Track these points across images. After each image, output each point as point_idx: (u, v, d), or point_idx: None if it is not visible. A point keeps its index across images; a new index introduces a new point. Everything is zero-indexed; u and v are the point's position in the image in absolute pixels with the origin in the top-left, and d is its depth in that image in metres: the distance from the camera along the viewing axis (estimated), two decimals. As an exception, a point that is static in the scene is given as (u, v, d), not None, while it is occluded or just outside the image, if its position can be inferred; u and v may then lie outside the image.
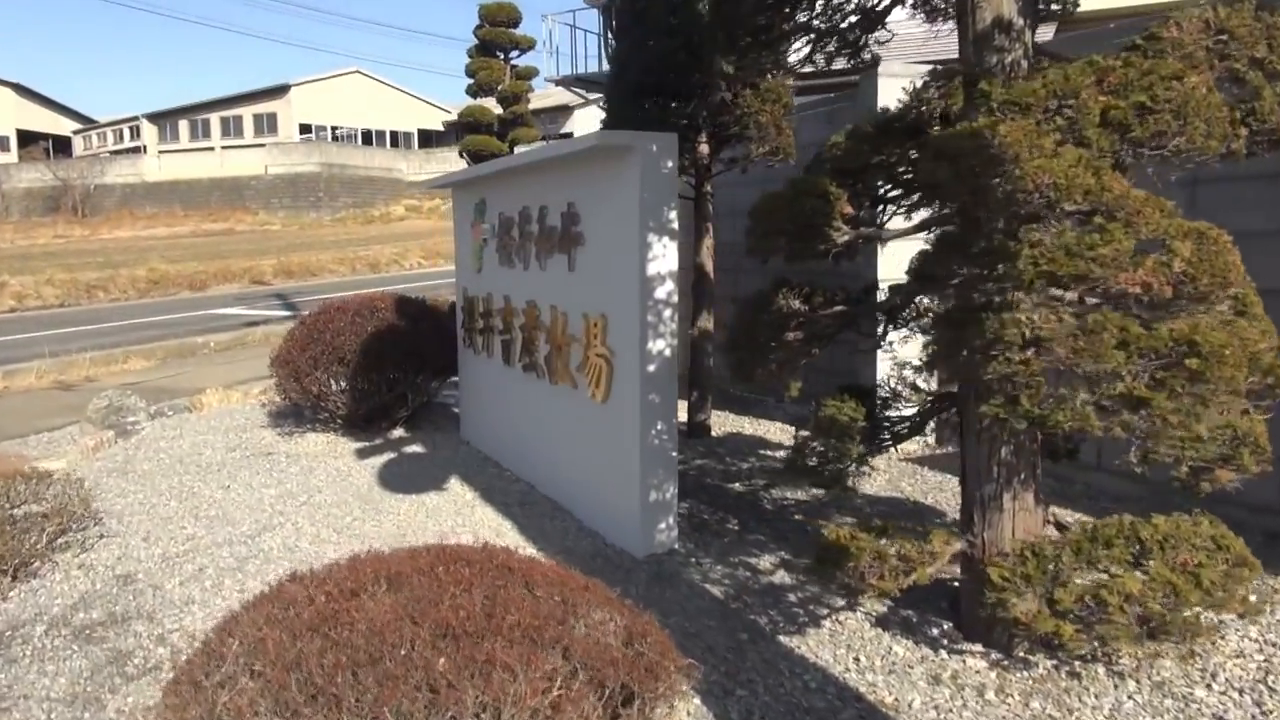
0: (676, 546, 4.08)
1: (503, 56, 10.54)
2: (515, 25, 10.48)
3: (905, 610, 3.31)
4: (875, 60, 5.50)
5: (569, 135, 42.78)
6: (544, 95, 51.77)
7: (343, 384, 6.41)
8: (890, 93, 5.42)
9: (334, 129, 46.28)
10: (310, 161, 41.15)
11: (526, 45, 10.58)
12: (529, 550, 4.15)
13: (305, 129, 45.11)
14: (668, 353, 3.96)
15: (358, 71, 47.07)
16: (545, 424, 4.93)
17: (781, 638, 3.18)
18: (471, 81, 10.57)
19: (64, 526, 4.56)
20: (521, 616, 2.31)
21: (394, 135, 48.79)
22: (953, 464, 5.26)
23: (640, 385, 3.90)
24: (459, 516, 4.72)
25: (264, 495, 5.31)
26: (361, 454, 6.21)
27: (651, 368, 3.92)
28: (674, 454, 4.06)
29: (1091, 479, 4.64)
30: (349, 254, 27.81)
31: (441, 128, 50.35)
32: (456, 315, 6.65)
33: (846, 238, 2.85)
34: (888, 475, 5.19)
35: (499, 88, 10.49)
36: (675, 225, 3.93)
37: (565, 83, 15.46)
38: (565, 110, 45.57)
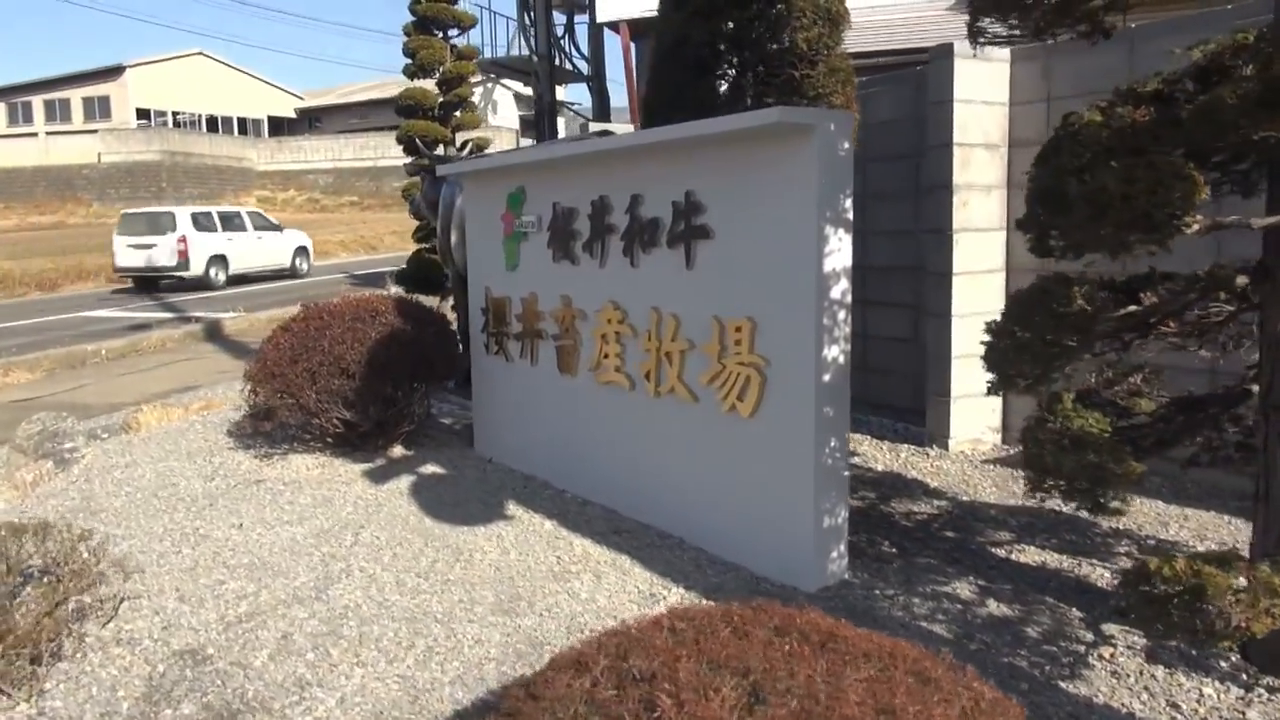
0: (847, 576, 3.65)
1: (442, 35, 9.76)
2: (455, 0, 9.75)
3: (1168, 642, 3.00)
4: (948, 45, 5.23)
5: (433, 124, 41.35)
6: (401, 84, 49.94)
7: (348, 398, 5.63)
8: (971, 75, 5.14)
9: (175, 115, 43.14)
10: (150, 149, 38.15)
11: (469, 23, 9.82)
12: (675, 590, 3.63)
13: (143, 114, 41.85)
14: (842, 360, 3.51)
15: (201, 53, 44.01)
16: (640, 441, 4.39)
17: (1063, 684, 2.80)
18: (410, 61, 9.72)
19: (80, 588, 3.70)
20: None
21: (242, 122, 45.94)
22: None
23: (815, 397, 3.44)
24: (555, 552, 4.13)
25: (294, 534, 4.54)
26: (373, 477, 5.48)
27: (827, 377, 3.46)
28: (846, 473, 3.63)
29: None
30: (212, 249, 25.80)
31: (294, 115, 47.77)
32: (469, 319, 5.97)
33: (1195, 228, 2.48)
34: (980, 479, 4.92)
35: (441, 68, 9.69)
36: (851, 215, 3.48)
37: (483, 67, 14.67)
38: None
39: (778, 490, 3.62)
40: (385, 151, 43.39)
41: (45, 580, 3.52)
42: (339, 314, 5.89)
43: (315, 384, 5.61)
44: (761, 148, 3.54)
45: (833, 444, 3.51)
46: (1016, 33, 2.97)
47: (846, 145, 3.43)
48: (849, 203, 3.46)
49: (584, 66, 15.25)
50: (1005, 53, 5.33)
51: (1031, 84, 5.23)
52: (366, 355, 5.65)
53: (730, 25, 4.99)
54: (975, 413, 5.44)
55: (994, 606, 3.33)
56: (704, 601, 3.51)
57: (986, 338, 3.05)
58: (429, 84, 9.92)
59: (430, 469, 5.64)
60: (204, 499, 5.22)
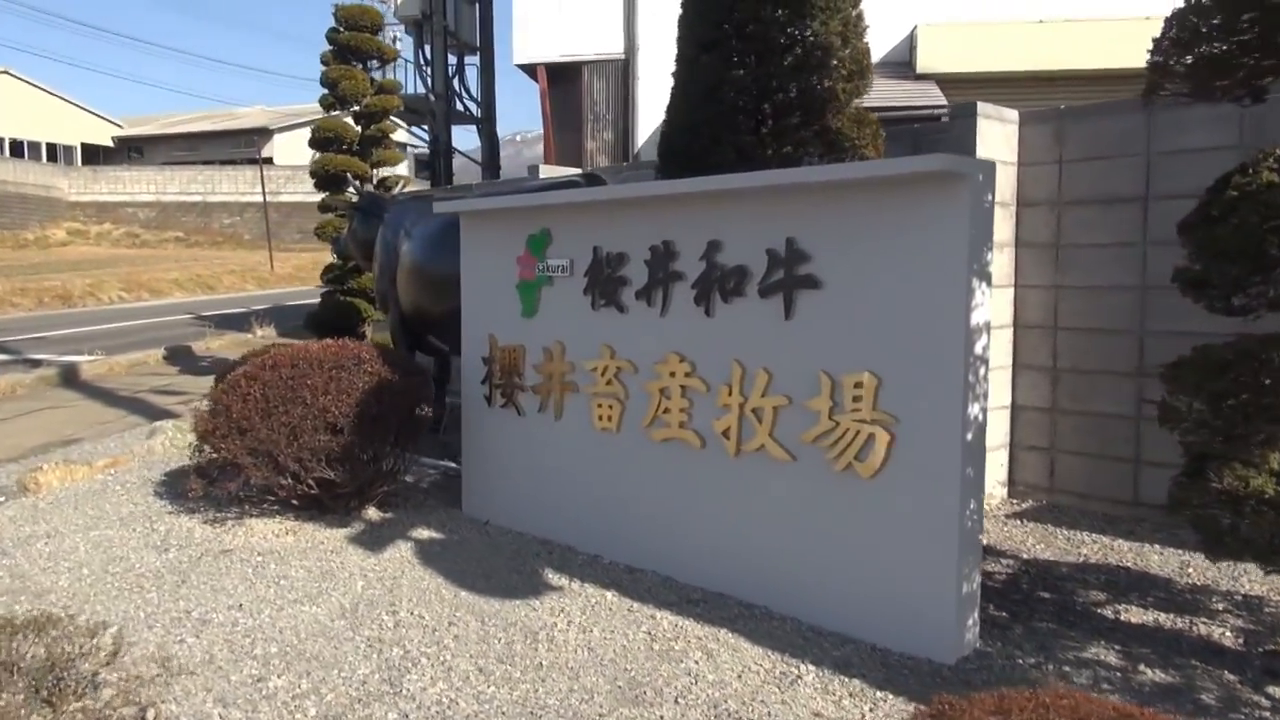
0: (979, 645, 3.48)
1: (362, 66, 9.18)
2: (378, 31, 9.19)
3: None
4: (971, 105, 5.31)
5: (269, 160, 39.38)
6: (235, 116, 47.37)
7: (333, 455, 5.04)
8: (991, 135, 5.23)
9: (-27, 137, 39.31)
10: (-57, 173, 34.52)
11: (391, 56, 9.28)
12: (805, 668, 3.35)
13: (-65, 135, 37.88)
14: (981, 418, 3.38)
15: (6, 72, 40.35)
16: (711, 502, 4.10)
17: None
18: (328, 92, 9.09)
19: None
20: None
21: (51, 148, 42.36)
22: (1063, 518, 5.10)
23: (960, 457, 3.29)
24: (640, 627, 3.76)
25: (315, 615, 3.97)
26: (365, 545, 4.92)
27: (970, 436, 3.32)
28: (981, 536, 3.47)
29: None
30: (26, 283, 23.53)
31: (111, 143, 44.56)
32: (461, 368, 5.51)
33: None
34: (1020, 535, 4.91)
35: (363, 101, 9.10)
36: (992, 269, 3.38)
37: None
38: (264, 133, 42.10)
39: (907, 555, 3.42)
40: (216, 186, 41.16)
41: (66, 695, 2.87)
42: (316, 361, 5.30)
43: (297, 440, 4.99)
44: (899, 195, 3.39)
45: (972, 506, 3.36)
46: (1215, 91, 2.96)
47: (990, 197, 3.33)
48: (990, 255, 3.36)
49: (474, 109, 14.88)
50: (1014, 114, 5.46)
51: (1043, 146, 5.37)
52: (355, 408, 5.09)
53: (768, 70, 4.89)
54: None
55: (1151, 673, 3.24)
56: (838, 679, 3.25)
57: (1168, 399, 2.99)
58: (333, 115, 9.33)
59: (425, 533, 5.12)
60: (171, 574, 4.51)
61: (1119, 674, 3.24)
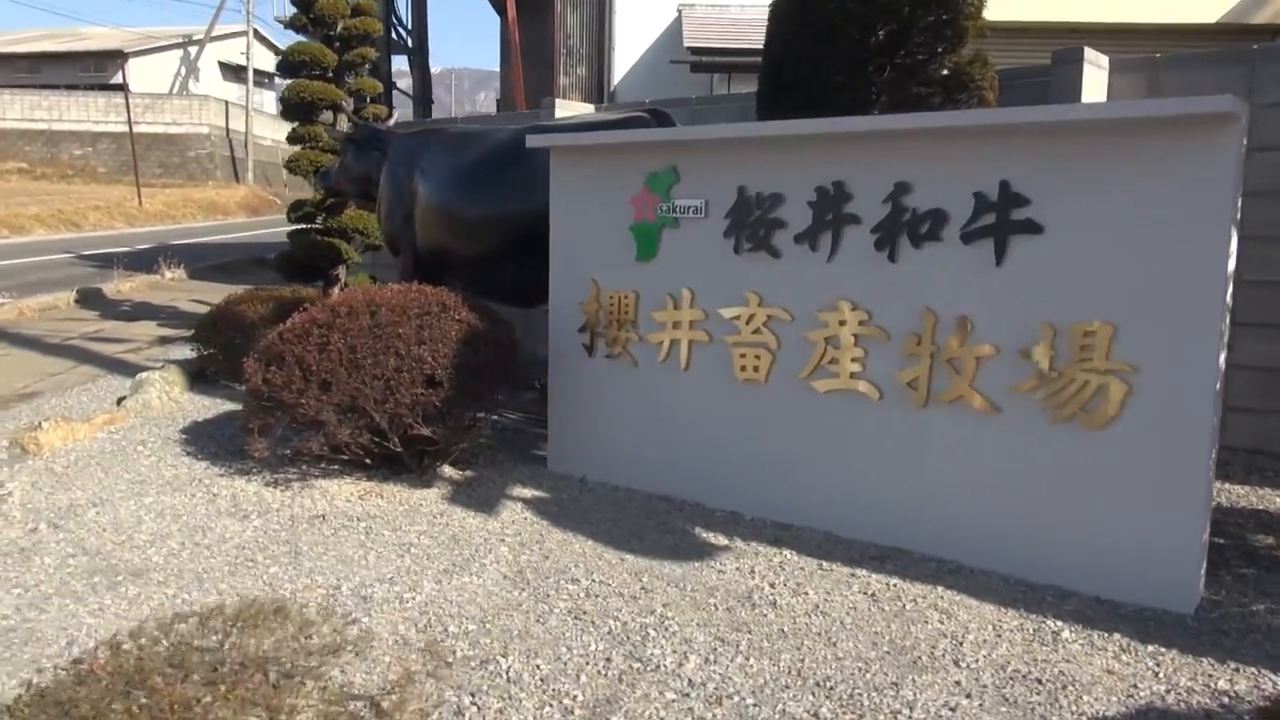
0: (1205, 594, 3.50)
1: (336, -18, 8.39)
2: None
3: None
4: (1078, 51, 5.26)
5: (121, 86, 36.18)
6: (81, 36, 43.15)
7: (433, 411, 4.64)
8: (1091, 82, 5.21)
9: None
10: None
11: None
12: (1050, 624, 3.28)
13: None
14: (1223, 366, 3.35)
15: None
16: (890, 456, 3.96)
17: None
18: (300, 12, 8.26)
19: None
20: None
21: None
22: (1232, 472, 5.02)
23: (1211, 408, 3.26)
24: (845, 587, 3.61)
25: (482, 586, 3.65)
26: (470, 506, 4.59)
27: (1218, 385, 3.29)
28: (1213, 485, 3.47)
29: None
30: None
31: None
32: (549, 317, 5.15)
33: None
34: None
35: (341, 23, 8.31)
36: (1239, 215, 3.33)
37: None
38: (117, 57, 38.66)
39: (1144, 506, 3.39)
40: (63, 113, 37.75)
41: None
42: (399, 307, 4.84)
43: (393, 394, 4.55)
44: (1156, 136, 3.28)
45: (1213, 455, 3.35)
46: None
47: (1244, 140, 3.27)
48: (1239, 201, 3.31)
49: (406, 39, 14.04)
50: (1106, 60, 5.46)
51: (1135, 94, 5.39)
52: (454, 358, 4.68)
53: (896, 4, 4.70)
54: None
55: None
56: (1095, 634, 3.20)
57: None
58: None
59: (526, 492, 4.80)
60: (276, 545, 4.08)
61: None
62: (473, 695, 2.84)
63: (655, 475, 4.72)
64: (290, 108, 8.43)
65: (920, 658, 3.04)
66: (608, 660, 3.05)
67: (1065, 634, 3.20)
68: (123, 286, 12.96)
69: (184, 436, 5.77)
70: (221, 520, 4.38)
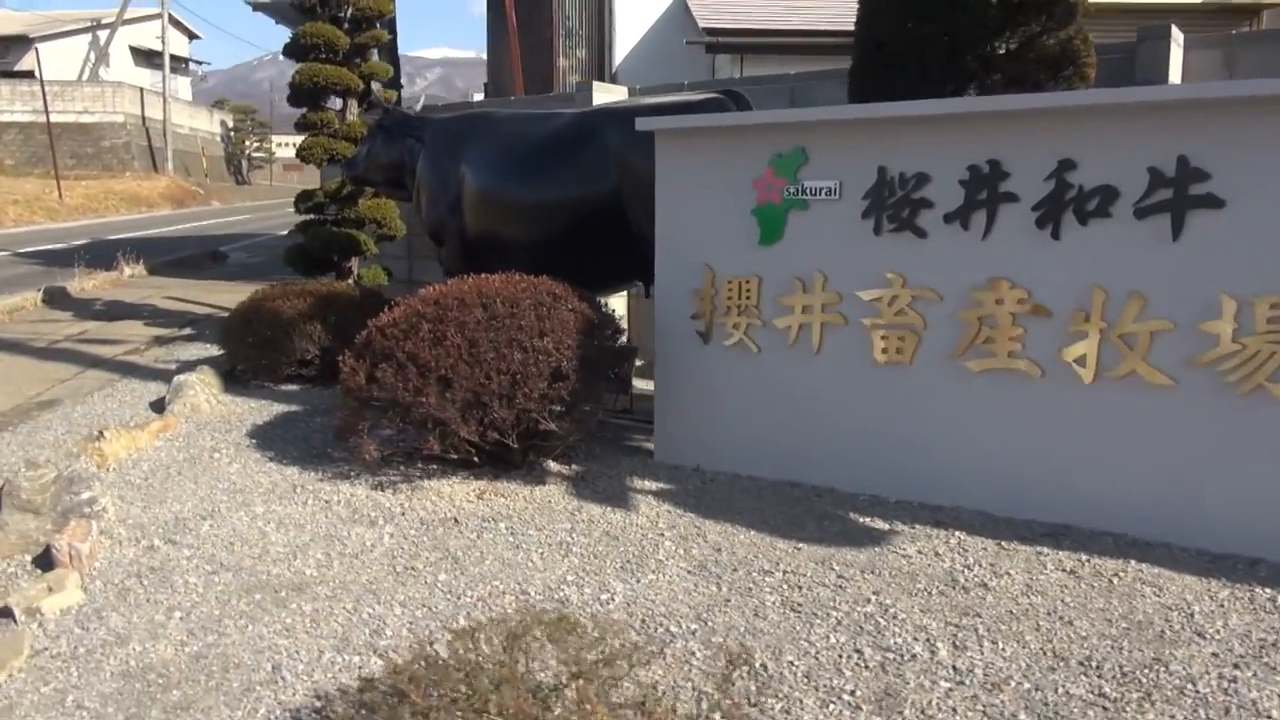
0: (1386, 555, 3.60)
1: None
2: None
3: None
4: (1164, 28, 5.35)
5: (27, 73, 34.30)
6: (-23, 20, 40.61)
7: (561, 404, 4.50)
8: (1173, 59, 5.30)
9: None
10: None
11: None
12: (1266, 591, 3.34)
13: None
14: None
15: None
16: (1053, 432, 3.98)
17: None
18: (308, -9, 7.89)
19: None
20: None
21: None
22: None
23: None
24: (1038, 566, 3.62)
25: (694, 586, 3.53)
26: (604, 502, 4.48)
27: None
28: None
29: None
30: None
31: None
32: (656, 304, 5.04)
33: None
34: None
35: (350, 5, 7.95)
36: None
37: (265, 6, 12.54)
38: (22, 42, 36.67)
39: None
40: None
41: None
42: (512, 299, 4.67)
43: (521, 388, 4.39)
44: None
45: (1400, 422, 3.44)
46: None
47: None
48: None
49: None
50: (1181, 37, 5.56)
51: (1210, 70, 5.51)
52: (577, 350, 4.54)
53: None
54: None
55: None
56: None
57: None
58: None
59: (650, 484, 4.70)
60: (425, 551, 3.93)
61: None
62: (747, 697, 2.75)
63: (780, 462, 4.66)
64: (301, 93, 8.06)
65: (1163, 632, 3.06)
66: (858, 652, 2.99)
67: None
68: (86, 285, 12.31)
69: (254, 441, 5.49)
70: (350, 528, 4.18)
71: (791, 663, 2.94)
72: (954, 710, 2.65)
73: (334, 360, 6.78)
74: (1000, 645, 3.00)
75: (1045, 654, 2.95)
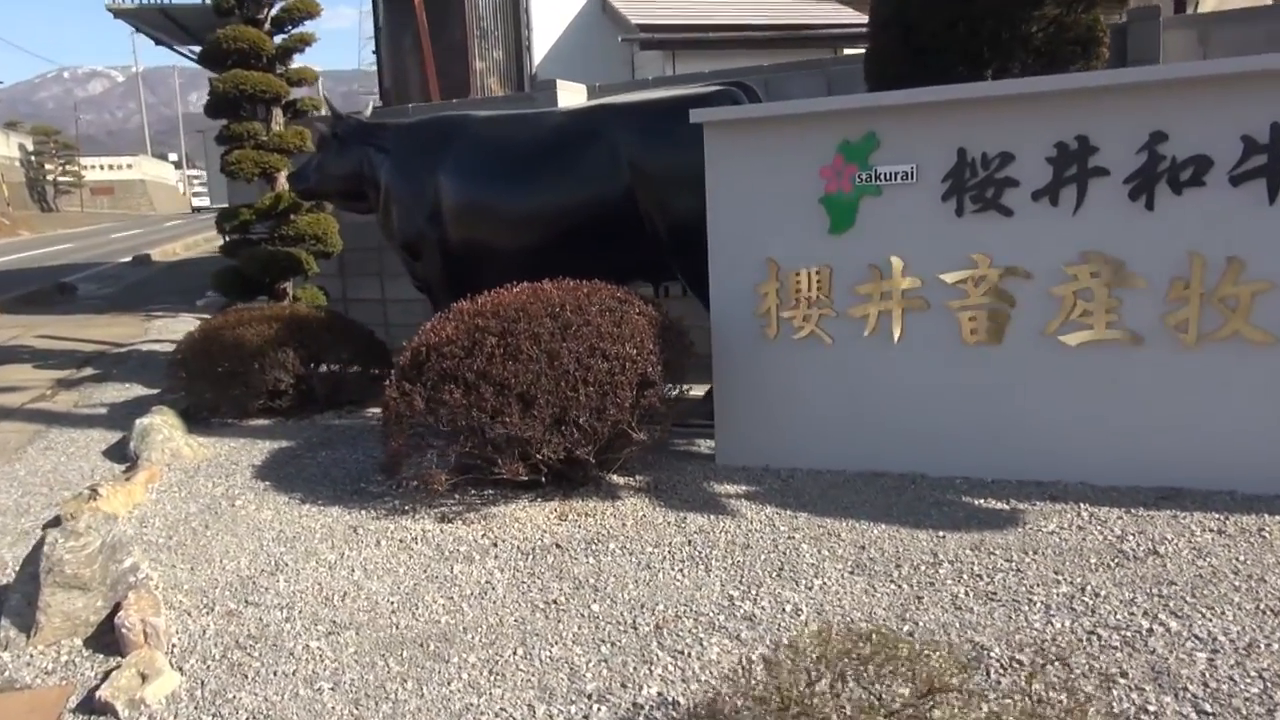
0: None
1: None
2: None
3: None
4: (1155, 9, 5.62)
5: None
6: None
7: (650, 412, 4.26)
8: (1173, 44, 5.59)
9: None
10: None
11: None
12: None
13: None
14: None
15: None
16: (1155, 399, 4.08)
17: None
18: (224, -10, 7.16)
19: None
20: None
21: None
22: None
23: None
24: (1171, 531, 3.69)
25: (861, 598, 3.39)
26: (699, 509, 4.29)
27: None
28: None
29: None
30: None
31: None
32: (712, 302, 4.86)
33: None
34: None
35: (276, 3, 7.28)
36: None
37: (127, 13, 11.58)
38: None
39: None
40: None
41: None
42: (579, 304, 4.40)
43: (611, 397, 4.14)
44: None
45: None
46: None
47: None
48: None
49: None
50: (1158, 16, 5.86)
51: (1186, 49, 5.83)
52: (660, 355, 4.32)
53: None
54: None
55: None
56: None
57: None
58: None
59: (729, 488, 4.53)
60: (554, 582, 3.63)
61: None
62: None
63: (861, 452, 4.59)
64: (224, 103, 7.38)
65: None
66: (1093, 635, 2.93)
67: None
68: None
69: (269, 484, 4.96)
70: (449, 566, 3.81)
71: (1033, 654, 2.84)
72: (1233, 680, 2.62)
73: (310, 389, 6.29)
74: (1220, 610, 3.02)
75: (1268, 613, 2.98)
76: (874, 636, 2.33)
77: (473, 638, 3.20)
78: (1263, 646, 2.79)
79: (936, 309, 4.37)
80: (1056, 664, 2.64)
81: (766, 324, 4.69)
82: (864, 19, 10.58)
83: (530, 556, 3.86)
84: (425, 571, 3.76)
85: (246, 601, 3.59)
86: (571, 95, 7.17)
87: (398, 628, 3.31)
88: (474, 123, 6.26)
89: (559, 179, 5.78)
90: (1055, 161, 4.08)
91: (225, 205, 9.17)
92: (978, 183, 4.21)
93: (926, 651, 2.29)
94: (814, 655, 2.24)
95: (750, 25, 9.05)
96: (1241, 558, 3.38)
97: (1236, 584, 3.18)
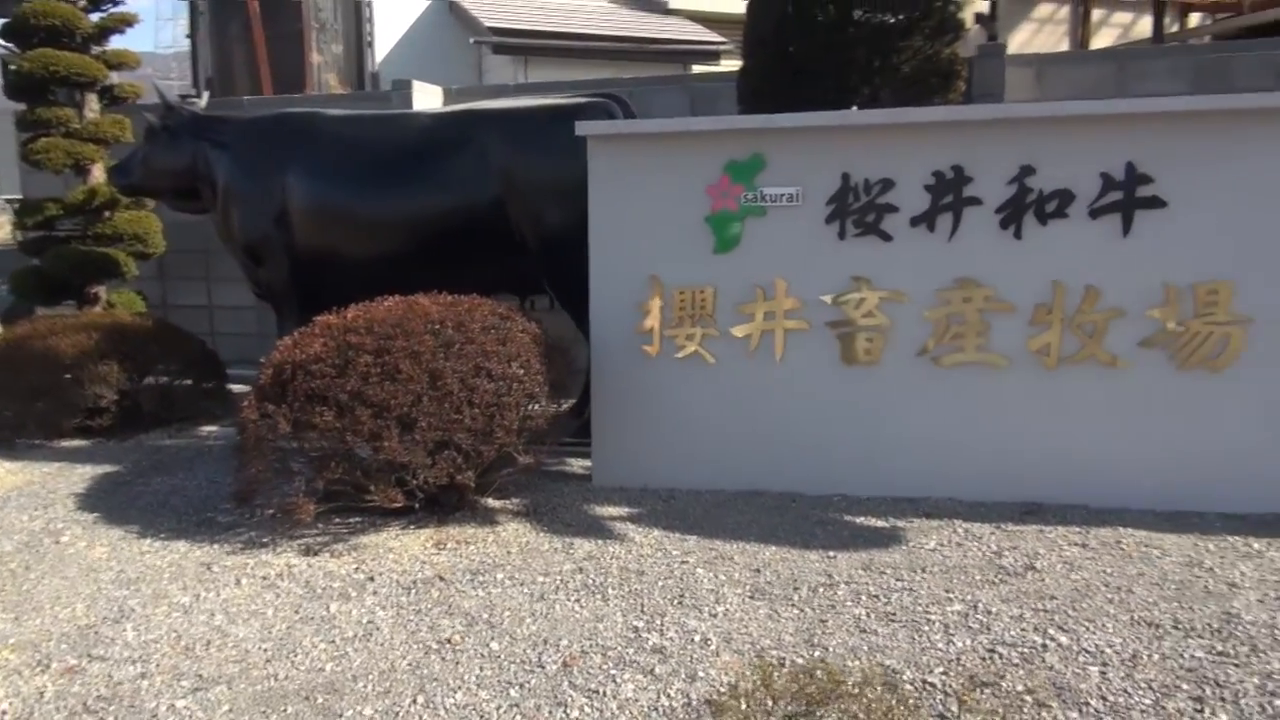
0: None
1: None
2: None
3: None
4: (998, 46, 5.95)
5: None
6: None
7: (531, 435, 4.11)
8: (1014, 81, 5.95)
9: None
10: None
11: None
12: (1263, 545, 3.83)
13: None
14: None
15: None
16: (1021, 416, 4.30)
17: None
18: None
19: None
20: None
21: None
22: None
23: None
24: (1090, 545, 3.90)
25: (765, 624, 3.38)
26: (591, 535, 4.18)
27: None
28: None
29: None
30: None
31: None
32: (591, 321, 4.75)
33: None
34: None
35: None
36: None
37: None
38: None
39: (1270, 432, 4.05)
40: None
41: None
42: (459, 323, 4.19)
43: (499, 420, 3.96)
44: (1269, 123, 3.91)
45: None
46: None
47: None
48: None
49: None
50: (1004, 54, 6.23)
51: (1025, 85, 6.23)
52: (545, 374, 4.18)
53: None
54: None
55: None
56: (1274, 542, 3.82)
57: None
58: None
59: (610, 510, 4.44)
60: (444, 620, 3.43)
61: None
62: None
63: (740, 472, 4.60)
64: (29, 85, 6.63)
65: (1219, 589, 3.39)
66: (993, 652, 3.02)
67: (1256, 545, 3.76)
68: None
69: (96, 515, 4.47)
70: (323, 605, 3.52)
71: (943, 675, 2.90)
72: (1127, 692, 2.76)
73: (135, 405, 5.75)
74: (1100, 623, 3.18)
75: (1141, 623, 3.16)
76: (817, 672, 2.29)
77: (364, 687, 2.94)
78: (1145, 657, 2.95)
79: (817, 329, 4.44)
80: (986, 690, 2.69)
81: (648, 342, 4.62)
82: (714, 36, 10.81)
83: (412, 591, 3.62)
84: (297, 612, 3.45)
85: (89, 655, 3.18)
86: (428, 97, 6.88)
87: (276, 679, 3.01)
88: (327, 120, 5.88)
89: (423, 184, 5.52)
90: (933, 189, 4.23)
91: (17, 196, 8.26)
92: (860, 207, 4.31)
93: (867, 690, 2.27)
94: (760, 698, 2.18)
95: (604, 35, 9.00)
96: (1108, 570, 3.59)
97: (1109, 596, 3.37)
